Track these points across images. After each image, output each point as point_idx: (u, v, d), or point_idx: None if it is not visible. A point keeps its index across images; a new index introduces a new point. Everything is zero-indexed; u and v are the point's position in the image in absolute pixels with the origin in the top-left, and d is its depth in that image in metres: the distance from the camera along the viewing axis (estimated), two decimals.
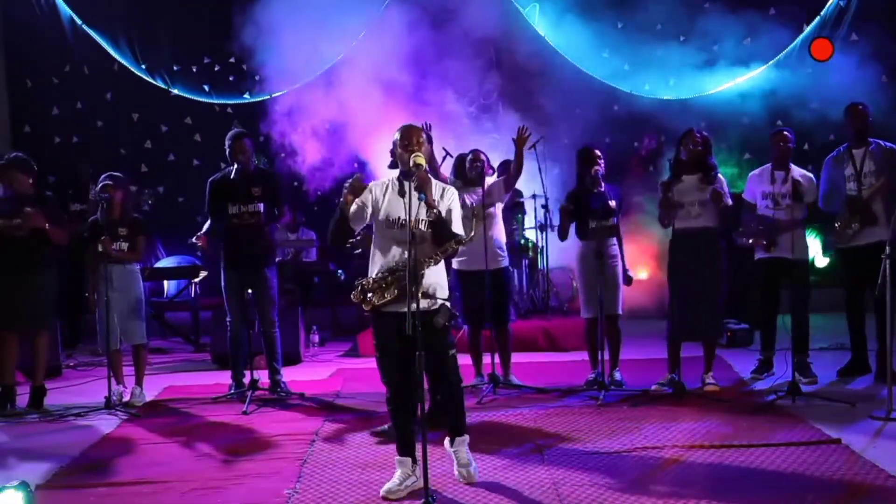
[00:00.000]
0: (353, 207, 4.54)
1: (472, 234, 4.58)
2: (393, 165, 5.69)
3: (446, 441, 4.73)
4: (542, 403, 6.38)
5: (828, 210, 6.77)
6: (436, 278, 4.52)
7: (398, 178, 4.57)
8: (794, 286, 6.69)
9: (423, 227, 4.45)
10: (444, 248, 4.45)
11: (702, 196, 6.37)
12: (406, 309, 4.18)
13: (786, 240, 6.52)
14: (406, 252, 4.31)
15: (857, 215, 6.50)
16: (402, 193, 4.49)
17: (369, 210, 4.57)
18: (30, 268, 6.64)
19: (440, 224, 4.42)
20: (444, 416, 5.51)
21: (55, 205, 6.91)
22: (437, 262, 4.47)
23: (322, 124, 10.59)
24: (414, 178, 4.40)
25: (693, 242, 6.40)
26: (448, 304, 4.53)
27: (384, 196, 4.58)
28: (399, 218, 4.49)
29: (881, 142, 6.64)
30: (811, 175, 6.79)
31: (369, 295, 4.47)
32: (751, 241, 6.73)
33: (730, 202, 6.46)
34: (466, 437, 4.70)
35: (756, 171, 6.95)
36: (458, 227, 4.56)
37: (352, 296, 4.53)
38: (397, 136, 4.62)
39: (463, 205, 6.50)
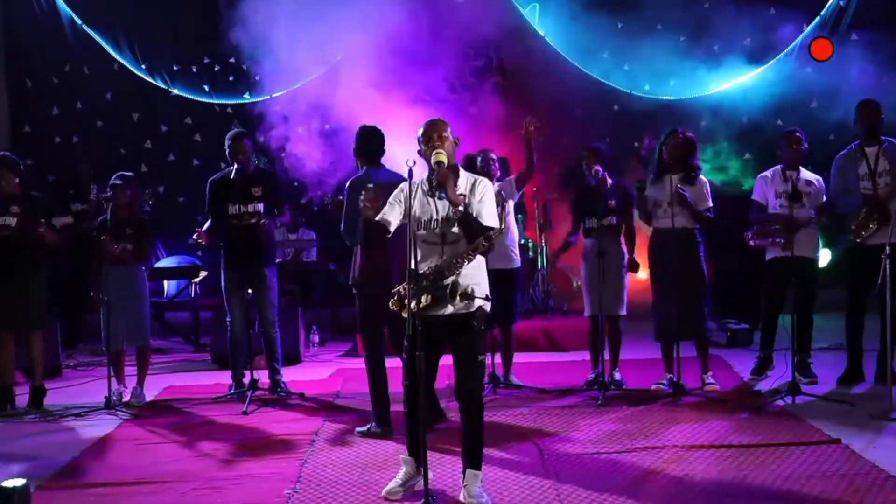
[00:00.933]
0: (386, 209, 4.44)
1: (503, 225, 4.42)
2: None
3: (461, 479, 4.47)
4: (542, 403, 6.38)
5: (840, 209, 6.70)
6: (474, 278, 4.37)
7: (427, 178, 4.45)
8: (801, 285, 6.62)
9: (453, 226, 4.34)
10: (474, 245, 4.29)
11: (680, 204, 6.34)
12: (442, 312, 4.21)
13: (800, 238, 6.47)
14: (439, 253, 4.30)
15: (874, 214, 6.42)
16: (431, 193, 4.41)
17: (400, 208, 4.45)
18: (22, 268, 6.63)
19: (467, 221, 4.29)
20: (436, 414, 5.51)
21: (44, 204, 6.86)
22: (470, 261, 4.32)
23: (322, 124, 10.60)
24: (434, 176, 4.32)
25: (671, 242, 6.38)
26: (487, 305, 4.41)
27: (414, 196, 4.44)
28: (430, 219, 4.39)
29: (894, 140, 6.55)
30: (820, 178, 6.75)
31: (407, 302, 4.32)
32: (770, 241, 6.68)
33: (709, 202, 6.44)
34: (481, 475, 4.42)
35: (766, 173, 6.88)
36: (490, 219, 4.37)
37: (390, 304, 4.42)
38: (421, 131, 4.49)
39: None
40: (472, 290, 4.33)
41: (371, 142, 5.81)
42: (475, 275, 4.39)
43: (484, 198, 4.41)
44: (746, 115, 10.56)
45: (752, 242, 6.72)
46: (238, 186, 6.70)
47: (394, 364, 5.36)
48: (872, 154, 6.50)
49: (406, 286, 4.31)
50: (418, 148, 4.52)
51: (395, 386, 5.93)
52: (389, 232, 4.49)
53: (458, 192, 4.31)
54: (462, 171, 4.51)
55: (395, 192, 4.54)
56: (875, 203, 6.41)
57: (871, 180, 6.46)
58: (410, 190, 4.37)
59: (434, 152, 4.34)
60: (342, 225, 5.73)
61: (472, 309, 4.35)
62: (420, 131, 4.51)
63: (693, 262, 6.42)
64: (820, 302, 6.91)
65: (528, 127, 6.56)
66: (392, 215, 4.45)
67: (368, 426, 5.71)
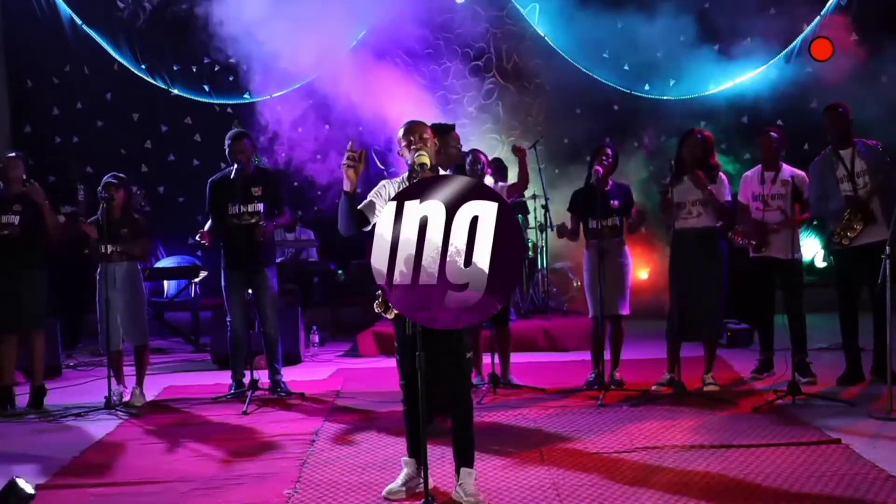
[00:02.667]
0: (367, 200, 4.44)
1: None
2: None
3: (455, 478, 4.46)
4: (542, 403, 6.38)
5: (820, 214, 6.74)
6: None
7: (407, 178, 4.43)
8: (786, 286, 6.71)
9: None
10: None
11: (702, 196, 6.38)
12: None
13: (777, 240, 6.55)
14: None
15: (857, 215, 6.45)
16: None
17: (382, 203, 4.43)
18: (22, 267, 6.63)
19: None
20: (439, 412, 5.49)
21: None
22: None
23: (321, 124, 10.61)
24: (416, 177, 4.28)
25: (693, 242, 6.41)
26: None
27: (394, 193, 4.42)
28: None
29: (865, 140, 6.57)
30: (803, 174, 6.77)
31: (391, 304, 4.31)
32: (740, 241, 6.74)
33: (728, 198, 6.45)
34: (474, 472, 4.43)
35: (749, 173, 6.95)
36: None
37: (374, 306, 4.41)
38: (401, 133, 4.49)
39: None
40: None
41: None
42: None
43: None
44: (746, 115, 10.56)
45: (735, 243, 6.77)
46: (238, 186, 6.70)
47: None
48: (847, 156, 6.51)
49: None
50: (397, 148, 4.52)
51: (394, 385, 5.96)
52: (369, 223, 4.47)
53: None
54: (440, 172, 4.50)
55: (377, 187, 4.51)
56: (858, 204, 6.42)
57: (850, 181, 6.47)
58: (411, 190, 4.31)
59: (417, 154, 4.32)
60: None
61: None
62: (400, 132, 4.50)
63: (715, 262, 6.43)
64: (818, 302, 6.92)
65: (517, 154, 6.66)
66: (371, 210, 4.45)
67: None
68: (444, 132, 5.97)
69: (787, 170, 6.73)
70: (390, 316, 4.37)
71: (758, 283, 6.85)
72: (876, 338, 6.48)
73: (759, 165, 6.85)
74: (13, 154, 6.91)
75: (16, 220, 6.61)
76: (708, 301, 6.42)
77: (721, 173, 6.51)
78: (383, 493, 4.50)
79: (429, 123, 4.66)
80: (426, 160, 4.32)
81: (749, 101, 10.48)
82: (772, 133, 6.82)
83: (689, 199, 6.43)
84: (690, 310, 6.40)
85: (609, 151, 6.66)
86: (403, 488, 4.50)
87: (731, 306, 8.44)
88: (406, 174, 4.50)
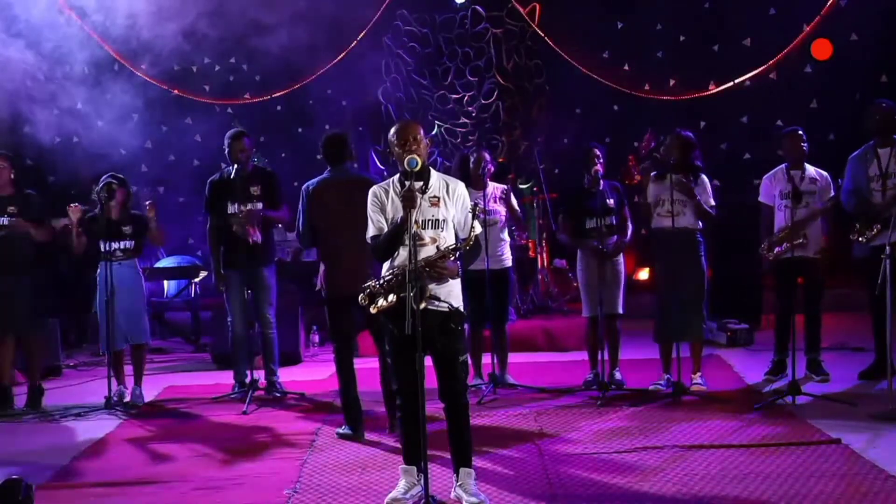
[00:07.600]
0: (375, 220, 4.45)
1: (472, 234, 4.38)
2: None
3: (454, 479, 4.47)
4: (542, 403, 6.38)
5: (848, 209, 6.62)
6: (445, 283, 4.37)
7: (399, 180, 4.43)
8: (808, 284, 6.64)
9: (423, 229, 4.33)
10: (441, 253, 4.29)
11: (682, 196, 6.35)
12: (412, 309, 4.12)
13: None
14: (410, 255, 4.24)
15: (872, 220, 6.31)
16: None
17: (389, 208, 4.43)
18: (17, 268, 6.62)
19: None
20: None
21: (39, 203, 6.85)
22: (440, 269, 4.30)
23: (321, 125, 10.60)
24: (409, 179, 4.27)
25: (673, 242, 6.37)
26: (461, 307, 4.42)
27: (388, 199, 4.45)
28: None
29: None
30: (826, 174, 6.72)
31: (379, 300, 4.33)
32: (784, 245, 6.50)
33: (712, 202, 6.41)
34: (473, 472, 4.44)
35: (769, 174, 6.82)
36: (465, 228, 4.43)
37: (359, 299, 4.40)
38: (393, 133, 4.47)
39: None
40: (440, 295, 4.33)
41: (332, 147, 5.94)
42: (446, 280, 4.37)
43: (463, 203, 4.47)
44: (746, 114, 10.55)
45: (770, 257, 6.63)
46: (237, 186, 6.70)
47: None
48: (885, 155, 6.42)
49: (376, 283, 4.36)
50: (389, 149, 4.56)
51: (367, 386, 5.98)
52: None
53: (431, 195, 4.37)
54: (434, 173, 4.51)
55: (371, 200, 4.49)
56: (873, 211, 6.33)
57: (881, 182, 6.41)
58: (413, 191, 4.27)
59: (408, 158, 4.28)
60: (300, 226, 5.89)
61: (445, 308, 4.34)
62: (392, 133, 4.48)
63: (694, 262, 6.42)
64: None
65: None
66: (384, 222, 4.44)
67: (343, 427, 5.74)
68: None
69: (809, 169, 6.66)
70: (374, 310, 4.36)
71: (783, 283, 6.73)
72: (877, 340, 6.47)
73: (782, 165, 6.72)
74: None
75: (9, 222, 6.59)
76: (689, 302, 6.39)
77: (703, 175, 6.48)
78: (385, 502, 4.41)
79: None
80: (418, 162, 4.30)
81: (749, 101, 10.47)
82: (800, 132, 6.76)
83: (670, 198, 6.36)
84: (673, 311, 6.39)
85: (599, 153, 6.66)
86: (406, 496, 4.40)
87: (730, 306, 8.46)
88: (396, 177, 4.48)
